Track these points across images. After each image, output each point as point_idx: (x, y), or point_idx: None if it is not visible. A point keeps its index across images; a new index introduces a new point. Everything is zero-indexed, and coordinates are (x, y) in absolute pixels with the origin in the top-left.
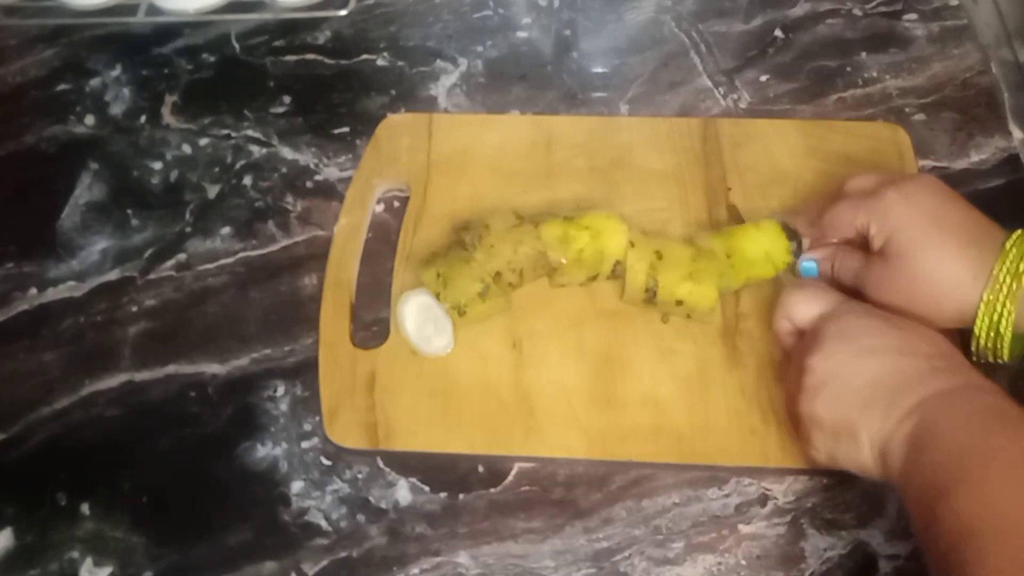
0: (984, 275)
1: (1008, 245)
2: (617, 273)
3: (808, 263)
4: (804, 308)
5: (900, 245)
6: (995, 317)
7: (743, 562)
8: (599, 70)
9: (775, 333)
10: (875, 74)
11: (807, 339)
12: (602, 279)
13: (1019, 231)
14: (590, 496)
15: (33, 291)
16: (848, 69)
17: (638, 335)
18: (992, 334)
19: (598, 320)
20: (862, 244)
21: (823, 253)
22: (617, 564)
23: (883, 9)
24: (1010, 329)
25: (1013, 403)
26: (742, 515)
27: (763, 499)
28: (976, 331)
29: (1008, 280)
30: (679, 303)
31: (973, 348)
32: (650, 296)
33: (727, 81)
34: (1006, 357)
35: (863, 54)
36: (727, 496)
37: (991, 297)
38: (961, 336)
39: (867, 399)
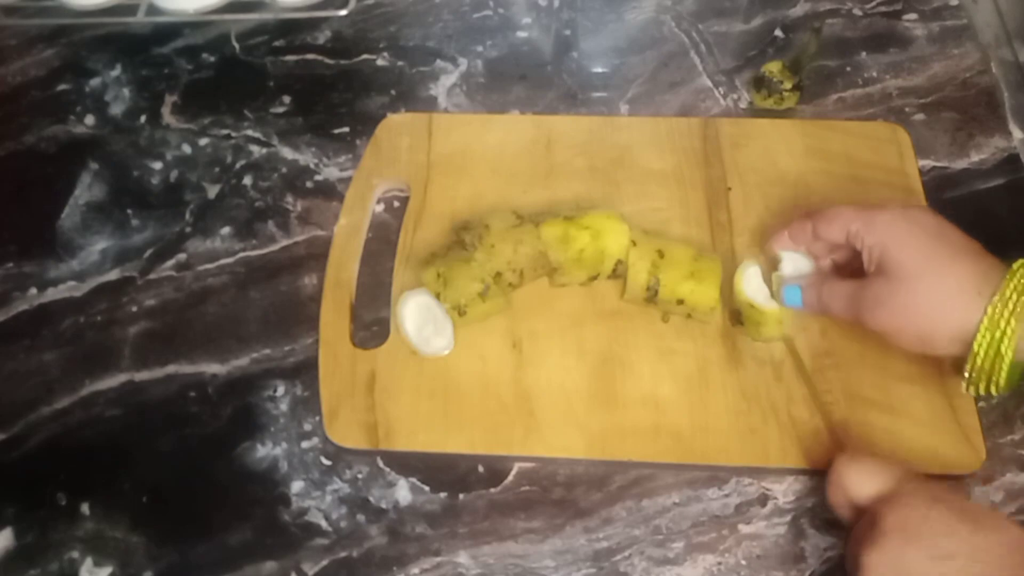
0: (989, 291)
1: (1016, 265)
2: (618, 273)
3: (791, 290)
4: (860, 486)
5: (901, 258)
6: (997, 334)
7: (743, 562)
8: (599, 70)
9: (832, 506)
10: (875, 74)
11: (864, 523)
12: (602, 279)
13: (1022, 259)
14: (590, 496)
15: (33, 291)
16: (848, 69)
17: (638, 335)
18: (991, 353)
19: (598, 320)
20: (848, 268)
21: (807, 280)
22: (617, 564)
23: (883, 9)
24: (1011, 350)
25: None
26: (742, 515)
27: (763, 499)
28: (975, 349)
29: (1016, 297)
30: (680, 302)
31: (967, 372)
32: (651, 295)
33: (727, 81)
34: (1002, 382)
35: (863, 54)
36: (727, 496)
37: (995, 312)
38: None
39: None
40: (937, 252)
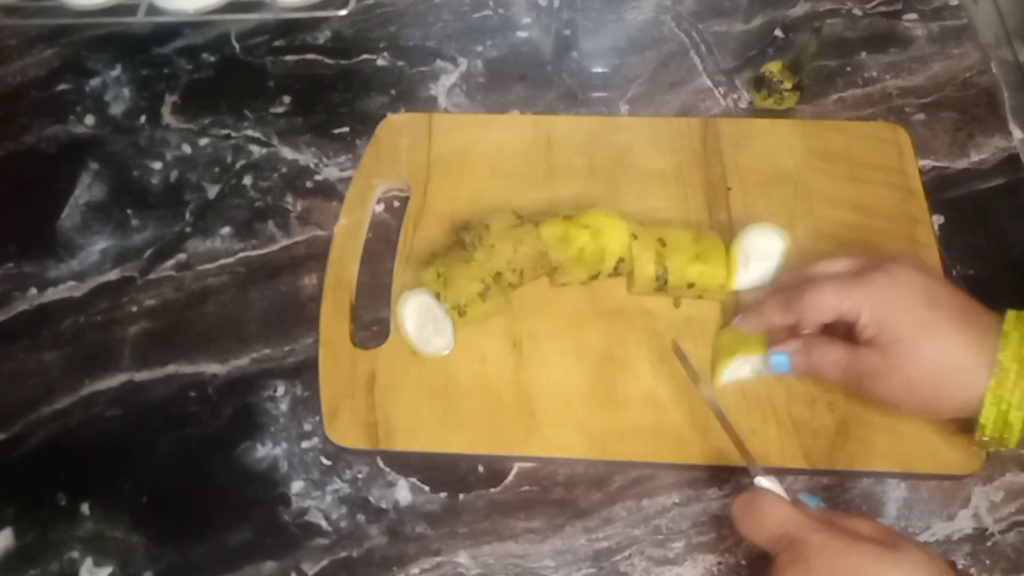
0: (988, 360)
1: (1007, 328)
2: (619, 271)
3: (779, 357)
4: (752, 529)
5: (897, 332)
6: (1003, 407)
7: (743, 562)
8: (599, 70)
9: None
10: (875, 74)
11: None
12: (603, 277)
13: (1011, 312)
14: (590, 496)
15: (33, 291)
16: (848, 69)
17: (638, 335)
18: (1000, 423)
19: (598, 320)
20: (840, 332)
21: (794, 346)
22: (617, 564)
23: (883, 9)
24: (1020, 419)
25: None
26: None
27: None
28: (983, 421)
29: (1016, 367)
30: (690, 285)
31: (977, 436)
32: (661, 284)
33: (727, 81)
34: (1013, 443)
35: (863, 54)
36: (727, 496)
37: (998, 386)
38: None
39: None
40: (932, 321)
